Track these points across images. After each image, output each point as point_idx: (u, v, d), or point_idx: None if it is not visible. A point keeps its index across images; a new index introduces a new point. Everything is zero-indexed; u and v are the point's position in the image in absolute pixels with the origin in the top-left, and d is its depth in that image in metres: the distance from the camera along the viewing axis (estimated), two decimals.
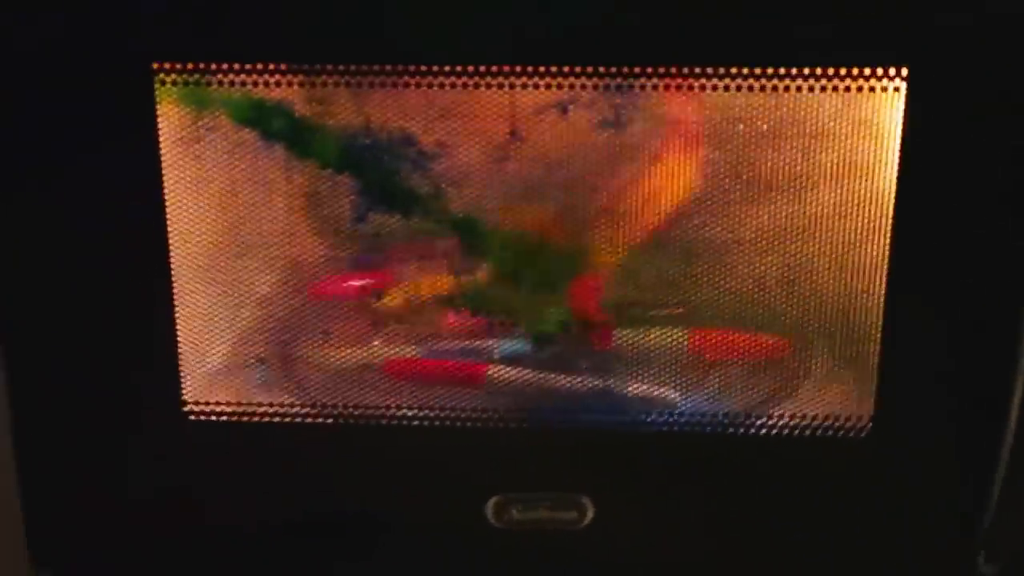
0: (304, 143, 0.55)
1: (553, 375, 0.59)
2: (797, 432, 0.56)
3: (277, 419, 0.58)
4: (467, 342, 0.60)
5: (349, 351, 0.61)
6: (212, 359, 0.60)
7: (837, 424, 0.56)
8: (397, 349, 0.61)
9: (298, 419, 0.58)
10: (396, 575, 0.61)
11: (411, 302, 0.61)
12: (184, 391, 0.58)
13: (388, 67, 0.52)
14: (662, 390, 0.58)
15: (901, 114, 0.50)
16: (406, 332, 0.61)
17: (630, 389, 0.58)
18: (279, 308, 0.60)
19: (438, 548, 0.59)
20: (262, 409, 0.58)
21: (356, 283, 0.61)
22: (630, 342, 0.59)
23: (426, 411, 0.57)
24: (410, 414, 0.57)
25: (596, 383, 0.59)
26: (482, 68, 0.52)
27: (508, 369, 0.59)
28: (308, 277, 0.60)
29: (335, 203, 0.57)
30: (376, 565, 0.60)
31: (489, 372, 0.59)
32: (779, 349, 0.57)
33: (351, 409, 0.58)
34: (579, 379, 0.59)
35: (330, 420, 0.58)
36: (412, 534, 0.59)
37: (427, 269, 0.60)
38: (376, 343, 0.61)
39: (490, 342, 0.60)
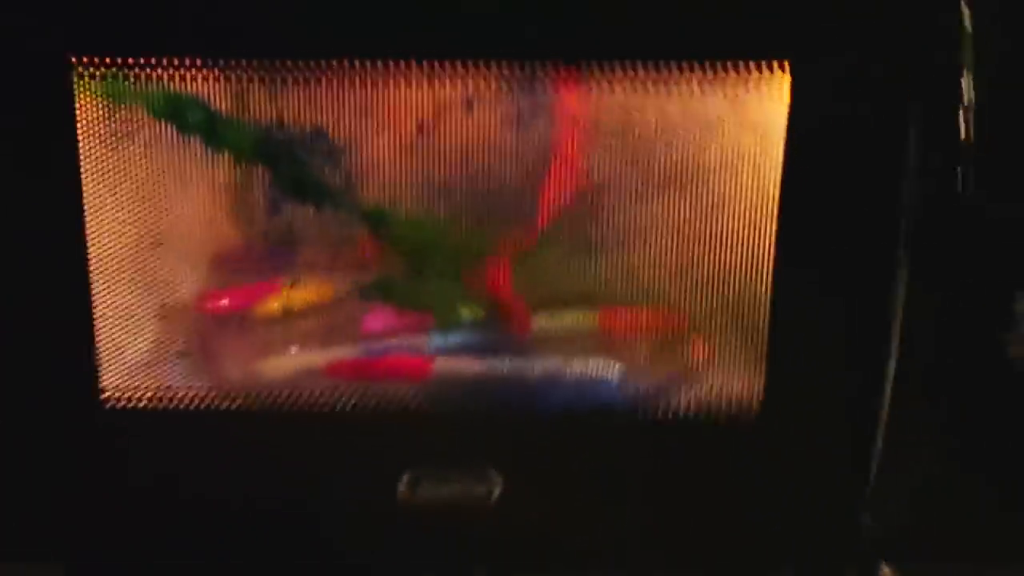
0: (219, 136, 0.57)
1: (488, 362, 0.61)
2: (695, 412, 0.59)
3: (192, 406, 0.59)
4: (397, 338, 0.62)
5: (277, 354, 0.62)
6: (133, 351, 0.61)
7: (731, 404, 0.59)
8: (327, 351, 0.62)
9: (212, 406, 0.59)
10: (314, 555, 0.62)
11: (329, 302, 0.62)
12: (102, 381, 0.59)
13: (301, 63, 0.54)
14: (603, 365, 0.60)
15: (785, 108, 0.54)
16: (327, 332, 0.62)
17: (571, 367, 0.60)
18: (197, 304, 0.62)
19: (353, 526, 0.61)
20: (178, 396, 0.59)
21: (250, 293, 0.63)
22: (545, 326, 0.61)
23: (340, 393, 0.59)
24: (324, 397, 0.59)
25: (525, 366, 0.61)
26: (391, 64, 0.54)
27: (452, 361, 0.61)
28: (226, 271, 0.62)
29: (250, 195, 0.59)
30: (294, 545, 0.62)
31: (435, 366, 0.61)
32: (678, 323, 0.60)
33: (264, 394, 0.60)
34: (510, 364, 0.61)
35: (245, 406, 0.59)
36: (327, 513, 0.61)
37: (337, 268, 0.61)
38: (300, 345, 0.62)
39: (421, 336, 0.62)
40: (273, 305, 0.62)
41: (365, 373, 0.61)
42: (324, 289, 0.62)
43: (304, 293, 0.62)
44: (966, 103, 0.51)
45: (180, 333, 0.62)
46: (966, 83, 0.51)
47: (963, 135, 0.52)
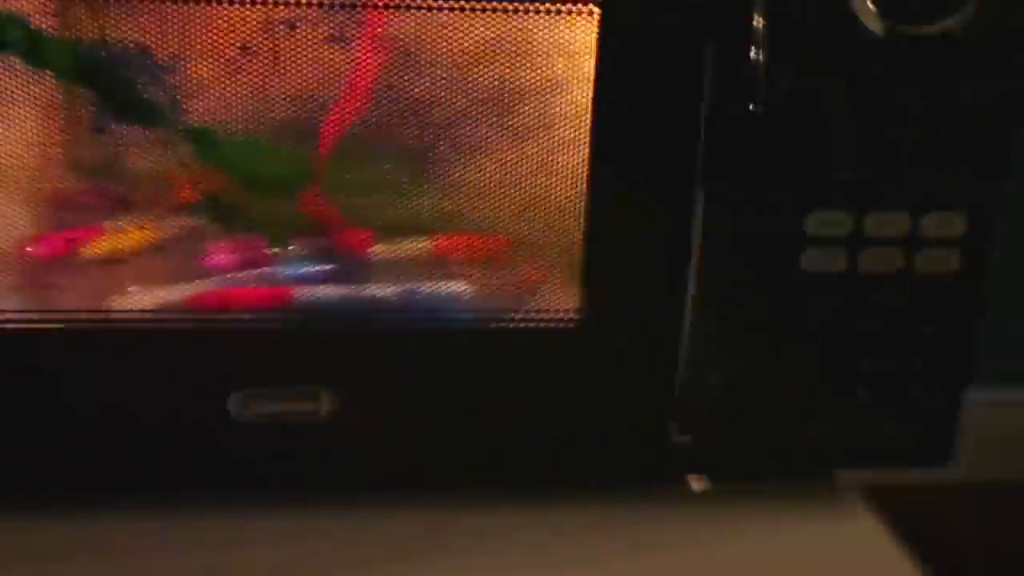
0: (40, 55, 0.57)
1: (332, 287, 0.63)
2: (517, 324, 0.63)
3: (15, 326, 0.60)
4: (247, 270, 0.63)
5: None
6: None
7: (551, 316, 0.62)
8: (181, 287, 0.63)
9: (36, 325, 0.60)
10: (145, 475, 0.64)
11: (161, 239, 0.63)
12: None
13: None
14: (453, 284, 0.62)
15: (595, 36, 0.57)
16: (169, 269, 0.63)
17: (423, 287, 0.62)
18: (31, 227, 0.62)
19: (184, 446, 0.63)
20: (10, 321, 0.60)
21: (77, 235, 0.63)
22: (384, 252, 0.63)
23: (171, 312, 0.61)
24: (155, 315, 0.60)
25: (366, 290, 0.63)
26: None
27: (313, 288, 0.62)
28: (55, 206, 0.62)
29: (74, 114, 0.59)
30: (129, 467, 0.63)
31: (295, 293, 0.62)
32: (503, 246, 0.63)
33: (92, 313, 0.60)
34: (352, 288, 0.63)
35: (73, 325, 0.60)
36: (158, 433, 0.62)
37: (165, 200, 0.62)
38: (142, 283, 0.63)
39: (274, 267, 0.63)
40: (103, 245, 0.62)
41: (227, 305, 0.62)
42: (152, 227, 0.62)
43: (134, 233, 0.63)
44: (757, 24, 0.55)
45: (11, 269, 0.62)
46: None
47: (754, 55, 0.56)
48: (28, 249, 0.62)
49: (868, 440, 0.65)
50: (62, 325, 0.60)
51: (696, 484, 0.67)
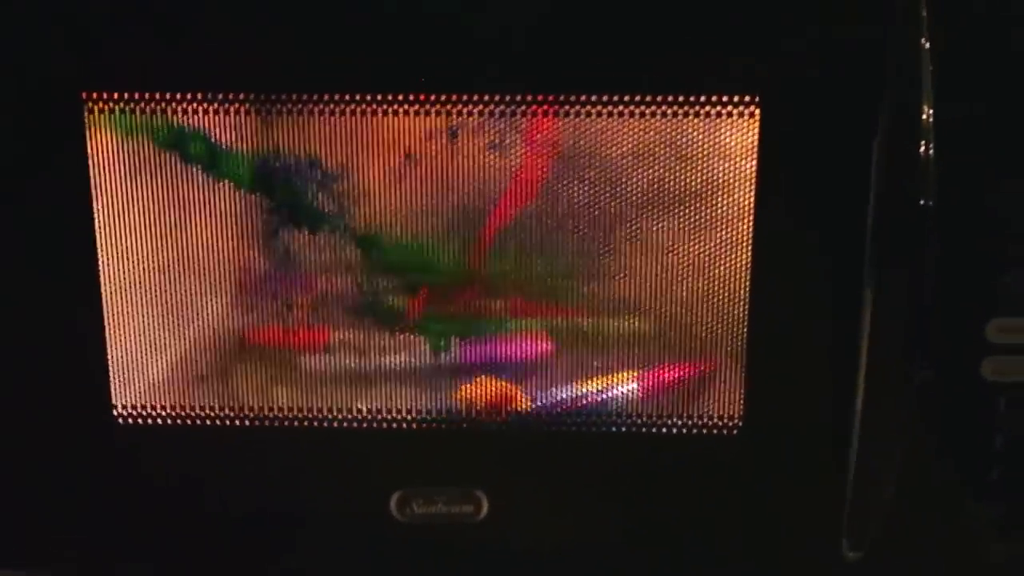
0: (219, 166, 0.60)
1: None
2: (676, 430, 0.61)
3: (198, 422, 0.62)
4: None
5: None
6: (147, 368, 0.64)
7: (711, 422, 0.61)
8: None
9: (217, 422, 0.62)
10: (309, 569, 0.65)
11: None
12: (114, 397, 0.62)
13: (294, 96, 0.57)
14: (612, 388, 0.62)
15: (756, 137, 0.55)
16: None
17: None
18: (211, 324, 0.65)
19: (346, 542, 0.64)
20: (184, 413, 0.62)
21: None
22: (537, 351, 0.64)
23: (334, 413, 0.62)
24: (320, 416, 0.62)
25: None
26: (378, 96, 0.57)
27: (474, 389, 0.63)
28: (231, 293, 0.65)
29: (250, 221, 0.62)
30: (291, 560, 0.64)
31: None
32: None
33: (264, 411, 0.63)
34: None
35: (246, 423, 0.62)
36: (322, 530, 0.64)
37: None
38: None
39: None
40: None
41: None
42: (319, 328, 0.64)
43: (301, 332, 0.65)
44: (926, 117, 0.53)
45: (199, 357, 0.65)
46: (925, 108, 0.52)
47: (923, 150, 0.53)
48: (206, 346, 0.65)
49: None
50: (233, 422, 0.62)
51: None
